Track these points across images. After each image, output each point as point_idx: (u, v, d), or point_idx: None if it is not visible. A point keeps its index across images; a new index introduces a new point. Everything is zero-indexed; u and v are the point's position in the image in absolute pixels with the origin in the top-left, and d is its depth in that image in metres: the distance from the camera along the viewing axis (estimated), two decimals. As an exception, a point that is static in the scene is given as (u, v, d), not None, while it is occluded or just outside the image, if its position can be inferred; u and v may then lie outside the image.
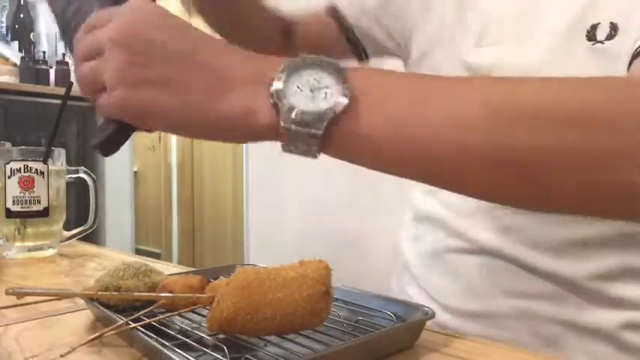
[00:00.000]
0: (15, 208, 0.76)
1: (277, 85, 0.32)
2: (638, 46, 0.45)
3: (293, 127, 0.32)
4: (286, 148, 0.33)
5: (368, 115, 0.32)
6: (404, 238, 0.69)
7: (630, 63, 0.46)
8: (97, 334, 0.38)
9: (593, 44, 0.49)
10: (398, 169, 0.35)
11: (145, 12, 0.35)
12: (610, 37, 0.48)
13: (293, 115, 0.32)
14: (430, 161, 0.33)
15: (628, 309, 0.52)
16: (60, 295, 0.44)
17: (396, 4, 0.66)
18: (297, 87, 0.33)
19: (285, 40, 0.75)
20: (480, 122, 0.31)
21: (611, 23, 0.48)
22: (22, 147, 0.79)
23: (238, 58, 0.35)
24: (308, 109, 0.32)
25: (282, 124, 0.32)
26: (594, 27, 0.49)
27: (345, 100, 0.32)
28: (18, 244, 0.78)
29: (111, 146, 0.37)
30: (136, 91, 0.33)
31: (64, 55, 2.70)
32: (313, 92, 0.33)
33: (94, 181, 0.84)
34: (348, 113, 0.32)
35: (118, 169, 2.71)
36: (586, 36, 0.50)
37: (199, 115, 0.33)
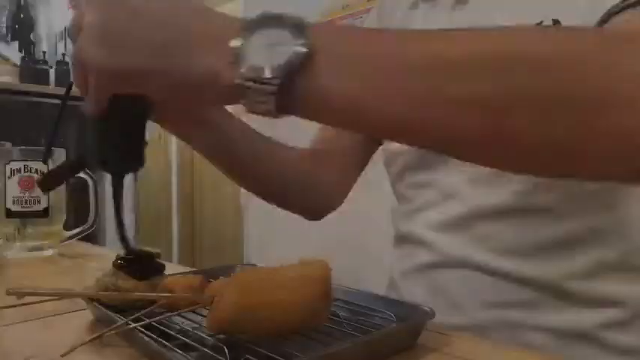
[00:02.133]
0: (15, 208, 0.76)
1: (236, 43, 0.32)
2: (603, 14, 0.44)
3: (250, 84, 0.31)
4: (248, 108, 0.33)
5: (326, 68, 0.31)
6: (392, 258, 0.69)
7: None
8: (97, 334, 0.38)
9: None
10: (360, 121, 0.34)
11: None
12: None
13: (249, 72, 0.31)
14: (394, 109, 0.31)
15: (607, 307, 0.52)
16: (60, 295, 0.44)
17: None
18: (257, 45, 0.32)
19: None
20: (442, 68, 0.31)
21: (554, 20, 0.50)
22: (22, 147, 0.79)
23: (208, 17, 0.35)
24: (264, 65, 0.31)
25: (237, 81, 0.32)
26: (538, 25, 0.50)
27: (301, 55, 0.31)
28: (18, 244, 0.78)
29: (50, 183, 0.45)
30: (115, 52, 0.34)
31: (64, 55, 2.70)
32: (271, 49, 0.32)
33: (94, 182, 0.84)
34: (306, 67, 0.31)
35: (117, 169, 2.70)
36: None
37: (174, 74, 0.34)
